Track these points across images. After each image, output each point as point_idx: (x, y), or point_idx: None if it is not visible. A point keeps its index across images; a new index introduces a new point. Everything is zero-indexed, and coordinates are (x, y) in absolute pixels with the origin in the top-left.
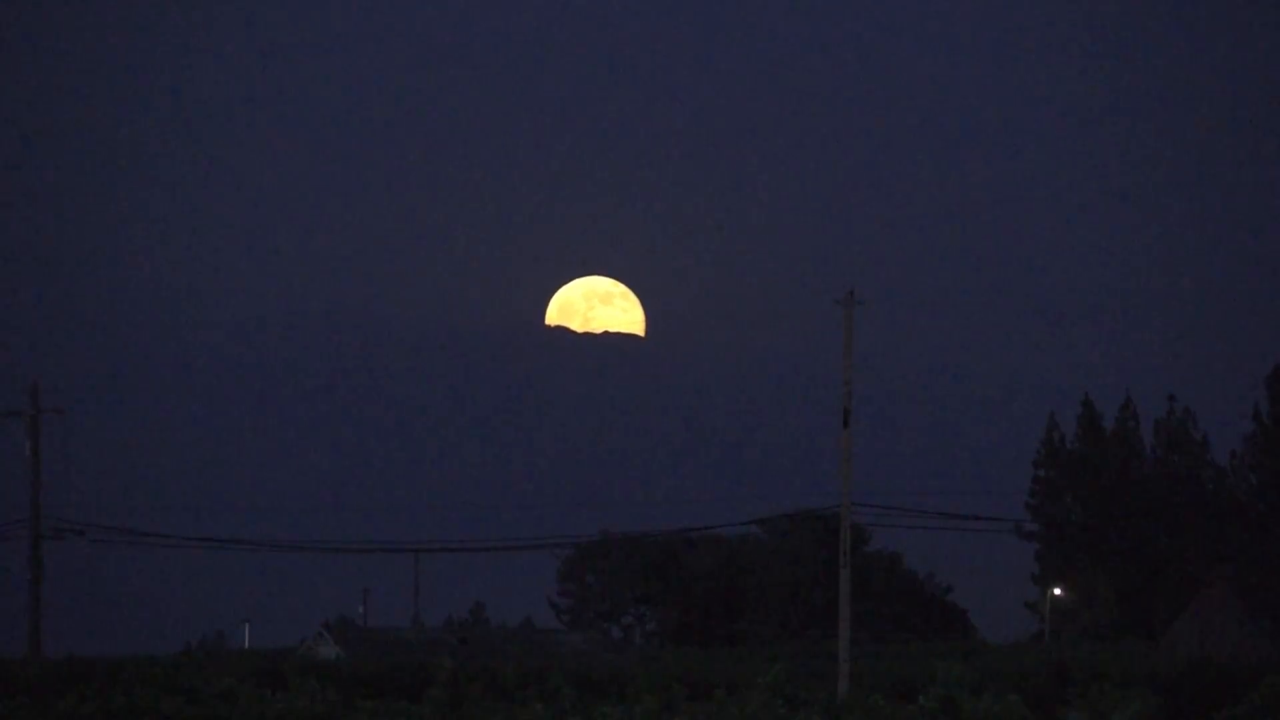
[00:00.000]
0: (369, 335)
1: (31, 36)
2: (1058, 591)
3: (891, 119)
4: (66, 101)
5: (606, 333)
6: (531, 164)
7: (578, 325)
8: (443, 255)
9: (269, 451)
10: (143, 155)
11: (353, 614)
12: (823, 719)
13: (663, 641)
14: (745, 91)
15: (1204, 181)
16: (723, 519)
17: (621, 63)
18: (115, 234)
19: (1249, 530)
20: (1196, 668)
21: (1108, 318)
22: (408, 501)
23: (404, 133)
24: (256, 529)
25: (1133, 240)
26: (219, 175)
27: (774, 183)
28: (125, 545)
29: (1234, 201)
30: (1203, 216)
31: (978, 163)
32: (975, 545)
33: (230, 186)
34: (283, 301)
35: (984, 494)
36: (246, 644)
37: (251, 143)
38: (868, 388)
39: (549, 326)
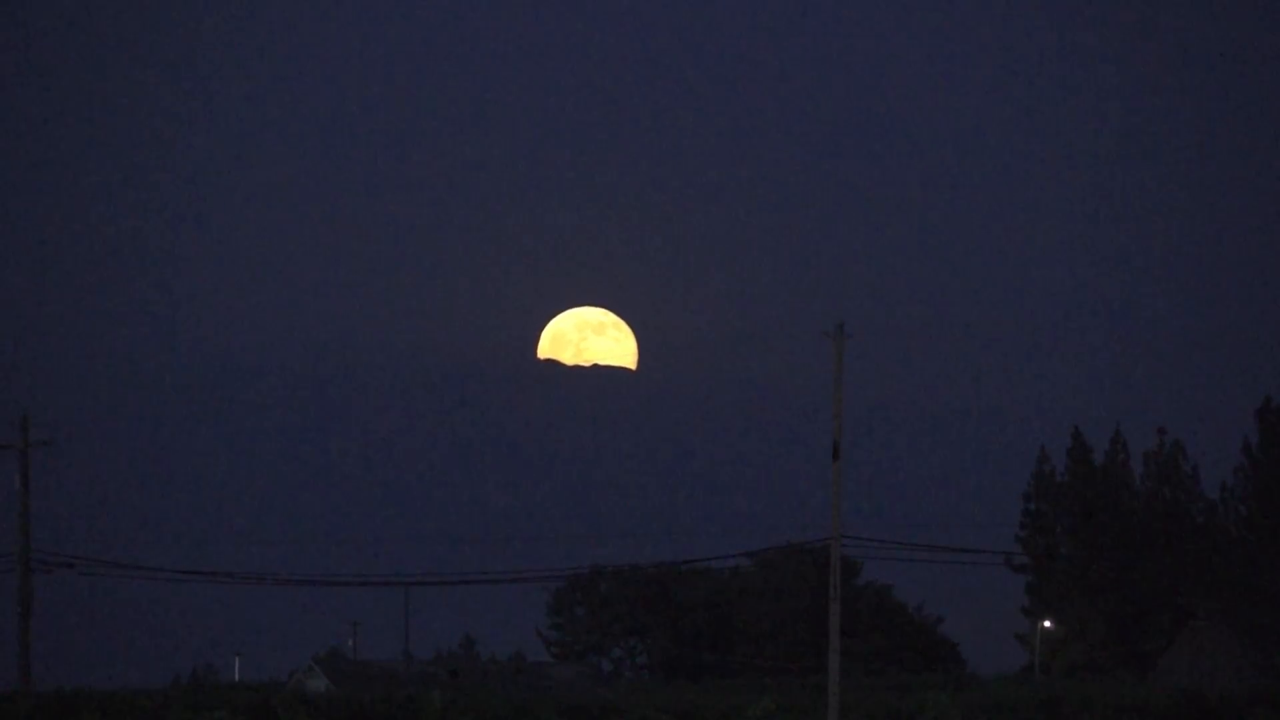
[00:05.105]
0: (360, 368)
1: (17, 79)
2: (1048, 624)
3: (883, 152)
4: (55, 132)
5: (597, 366)
6: (523, 195)
7: (569, 357)
8: (434, 288)
9: (260, 484)
10: (133, 186)
11: (343, 647)
12: None
13: (653, 674)
14: (739, 124)
15: (1196, 213)
16: (713, 552)
17: (615, 96)
18: (104, 266)
19: (1239, 562)
20: (1187, 699)
21: (1098, 350)
22: (398, 535)
23: (394, 165)
24: (247, 562)
25: (1124, 273)
26: (209, 207)
27: (766, 215)
28: (115, 578)
29: (1225, 235)
30: (1194, 249)
31: (968, 195)
32: (966, 578)
33: (221, 219)
34: (273, 334)
35: (974, 526)
36: (237, 677)
37: (242, 175)
38: (858, 420)
39: (541, 360)
